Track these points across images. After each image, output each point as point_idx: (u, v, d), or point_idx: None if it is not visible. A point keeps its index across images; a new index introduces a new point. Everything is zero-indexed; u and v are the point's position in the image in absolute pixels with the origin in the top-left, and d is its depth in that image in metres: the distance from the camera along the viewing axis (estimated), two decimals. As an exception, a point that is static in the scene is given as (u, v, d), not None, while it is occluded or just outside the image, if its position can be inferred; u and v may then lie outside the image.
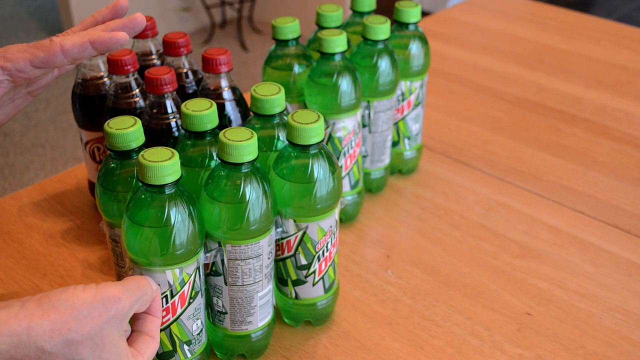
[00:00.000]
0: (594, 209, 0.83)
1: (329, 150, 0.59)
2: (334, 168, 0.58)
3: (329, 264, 0.62)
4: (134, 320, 0.51)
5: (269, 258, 0.58)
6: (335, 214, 0.61)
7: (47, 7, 3.56)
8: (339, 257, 0.75)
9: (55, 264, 0.75)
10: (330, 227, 0.60)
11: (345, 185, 0.77)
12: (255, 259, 0.57)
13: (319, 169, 0.57)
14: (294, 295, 0.63)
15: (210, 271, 0.58)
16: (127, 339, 0.50)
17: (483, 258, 0.75)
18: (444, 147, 0.96)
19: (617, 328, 0.67)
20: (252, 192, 0.54)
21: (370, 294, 0.71)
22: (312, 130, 0.56)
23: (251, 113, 0.62)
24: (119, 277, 0.63)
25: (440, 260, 0.75)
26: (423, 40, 0.82)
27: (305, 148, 0.57)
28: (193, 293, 0.55)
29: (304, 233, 0.59)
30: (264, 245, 0.57)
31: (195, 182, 0.59)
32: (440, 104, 1.07)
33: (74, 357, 0.42)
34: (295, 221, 0.59)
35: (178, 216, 0.51)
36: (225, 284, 0.58)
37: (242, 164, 0.53)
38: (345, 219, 0.80)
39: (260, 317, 0.60)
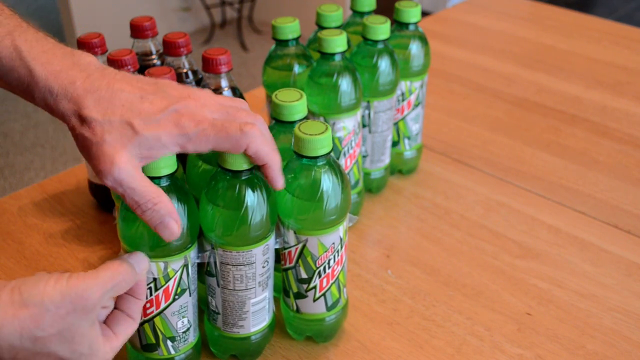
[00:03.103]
0: (594, 209, 0.83)
1: (337, 163, 0.57)
2: (340, 183, 0.57)
3: (331, 281, 0.60)
4: (117, 299, 0.51)
5: (263, 267, 0.57)
6: (340, 231, 0.58)
7: (47, 7, 3.56)
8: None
9: (55, 264, 0.75)
10: (333, 244, 0.58)
11: (345, 185, 0.77)
12: (248, 266, 0.56)
13: (324, 182, 0.56)
14: (295, 308, 0.63)
15: (206, 270, 0.58)
16: (107, 318, 0.50)
17: (483, 258, 0.75)
18: (444, 147, 0.96)
19: (617, 328, 0.67)
20: (248, 200, 0.53)
21: (370, 294, 0.71)
22: (319, 142, 0.54)
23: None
24: None
25: (440, 260, 0.75)
26: (423, 40, 0.82)
27: (311, 160, 0.56)
28: (179, 290, 0.55)
29: (304, 246, 0.58)
30: (258, 254, 0.56)
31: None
32: (440, 104, 1.07)
33: (43, 350, 0.44)
34: (295, 233, 0.58)
35: None
36: (218, 285, 0.57)
37: (241, 171, 0.52)
38: (345, 219, 0.80)
39: (253, 322, 0.60)
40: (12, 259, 0.75)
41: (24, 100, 0.52)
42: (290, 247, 0.58)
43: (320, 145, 0.55)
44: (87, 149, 0.48)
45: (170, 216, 0.48)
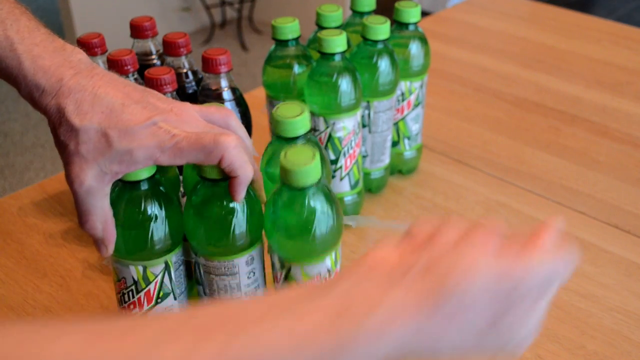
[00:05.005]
0: (594, 209, 0.83)
1: (328, 191, 0.53)
2: (330, 212, 0.52)
3: None
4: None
5: (249, 277, 0.56)
6: (327, 261, 0.55)
7: (47, 7, 3.57)
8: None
9: (55, 264, 0.75)
10: (319, 273, 0.55)
11: (345, 185, 0.77)
12: (231, 276, 0.55)
13: (310, 213, 0.51)
14: None
15: (195, 277, 0.58)
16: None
17: (483, 258, 0.75)
18: (444, 147, 0.96)
19: (617, 328, 0.67)
20: (228, 210, 0.52)
21: (370, 294, 0.70)
22: (306, 172, 0.50)
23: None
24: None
25: (440, 260, 0.75)
26: (423, 40, 0.82)
27: (298, 190, 0.51)
28: (161, 294, 0.55)
29: (288, 272, 0.55)
30: (240, 265, 0.55)
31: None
32: (440, 104, 1.07)
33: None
34: (279, 258, 0.55)
35: (139, 216, 0.51)
36: (205, 294, 0.57)
37: (218, 180, 0.51)
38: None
39: None
40: (12, 259, 0.75)
41: (25, 100, 0.52)
42: (277, 270, 0.56)
43: (307, 175, 0.50)
44: (61, 151, 0.49)
45: (102, 243, 0.51)
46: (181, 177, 0.62)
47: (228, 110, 0.54)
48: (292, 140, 0.57)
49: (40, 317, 0.67)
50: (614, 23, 1.38)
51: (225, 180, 0.51)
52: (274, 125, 0.57)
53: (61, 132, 0.48)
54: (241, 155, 0.49)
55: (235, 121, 0.54)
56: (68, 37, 2.95)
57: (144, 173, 0.50)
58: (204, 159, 0.49)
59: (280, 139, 0.58)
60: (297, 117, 0.56)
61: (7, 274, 0.73)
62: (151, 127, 0.48)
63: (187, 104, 0.52)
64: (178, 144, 0.48)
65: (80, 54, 0.51)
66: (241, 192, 0.51)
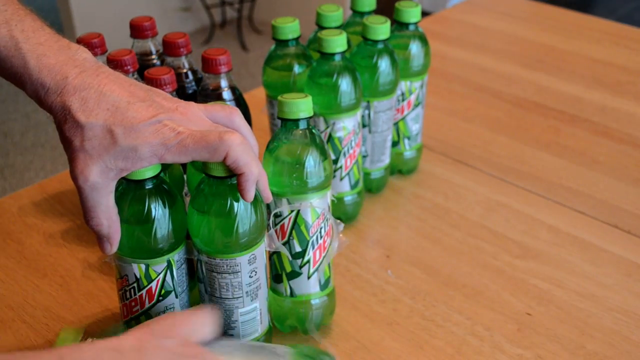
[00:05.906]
0: (594, 209, 0.83)
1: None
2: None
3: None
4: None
5: (250, 277, 0.56)
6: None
7: (47, 7, 3.57)
8: (338, 258, 0.75)
9: (55, 264, 0.75)
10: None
11: (345, 185, 0.77)
12: (232, 275, 0.55)
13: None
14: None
15: (197, 275, 0.58)
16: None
17: (483, 258, 0.75)
18: (444, 147, 0.96)
19: (617, 328, 0.67)
20: (231, 208, 0.52)
21: (370, 294, 0.71)
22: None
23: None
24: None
25: (440, 260, 0.75)
26: (423, 40, 0.82)
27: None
28: (163, 292, 0.55)
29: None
30: (243, 263, 0.55)
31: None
32: (440, 104, 1.07)
33: None
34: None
35: (143, 215, 0.52)
36: (206, 292, 0.57)
37: (223, 178, 0.52)
38: (345, 219, 0.80)
39: (243, 333, 0.58)
40: (12, 259, 0.75)
41: (24, 100, 0.52)
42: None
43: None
44: (66, 147, 0.50)
45: (106, 240, 0.51)
46: (185, 177, 0.62)
47: (233, 109, 0.54)
48: (294, 123, 0.58)
49: (40, 317, 0.67)
50: (614, 23, 1.38)
51: (229, 177, 0.52)
52: (278, 108, 0.58)
53: (66, 129, 0.48)
54: (246, 153, 0.50)
55: (240, 119, 0.54)
56: (68, 37, 2.93)
57: (148, 172, 0.51)
58: (209, 157, 0.49)
59: (283, 124, 0.59)
60: (300, 99, 0.57)
61: (7, 274, 0.73)
62: (156, 125, 0.48)
63: (192, 103, 0.52)
64: (183, 142, 0.48)
65: (86, 53, 0.51)
66: (250, 190, 0.51)
